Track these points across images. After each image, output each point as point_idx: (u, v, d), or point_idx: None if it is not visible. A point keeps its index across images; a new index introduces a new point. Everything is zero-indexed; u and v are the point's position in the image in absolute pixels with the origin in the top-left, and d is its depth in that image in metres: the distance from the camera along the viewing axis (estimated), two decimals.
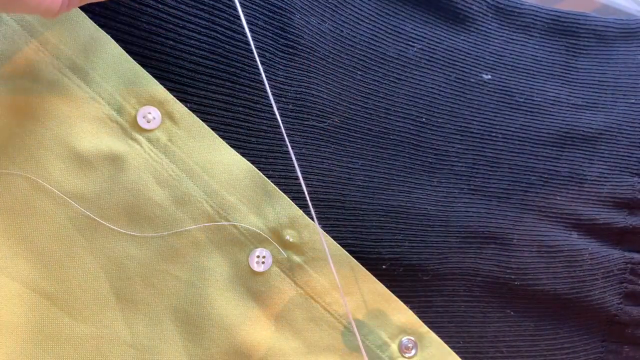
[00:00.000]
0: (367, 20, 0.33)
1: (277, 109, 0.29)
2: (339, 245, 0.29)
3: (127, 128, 0.27)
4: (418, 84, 0.34)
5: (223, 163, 0.28)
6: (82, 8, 0.26)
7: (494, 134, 0.34)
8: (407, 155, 0.32)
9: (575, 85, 0.37)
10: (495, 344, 0.33)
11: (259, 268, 0.28)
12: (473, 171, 0.34)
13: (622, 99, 0.37)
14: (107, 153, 0.26)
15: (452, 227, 0.32)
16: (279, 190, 0.28)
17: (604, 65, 0.37)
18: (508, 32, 0.37)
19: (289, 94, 0.30)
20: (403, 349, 0.30)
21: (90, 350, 0.26)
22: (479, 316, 0.33)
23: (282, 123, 0.29)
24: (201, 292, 0.27)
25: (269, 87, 0.28)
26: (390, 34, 0.34)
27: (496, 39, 0.36)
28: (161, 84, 0.27)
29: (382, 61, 0.33)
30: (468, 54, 0.35)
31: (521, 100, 0.35)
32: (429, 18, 0.35)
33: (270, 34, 0.29)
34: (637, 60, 0.38)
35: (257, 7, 0.29)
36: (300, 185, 0.29)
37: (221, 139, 0.28)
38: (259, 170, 0.28)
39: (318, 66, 0.31)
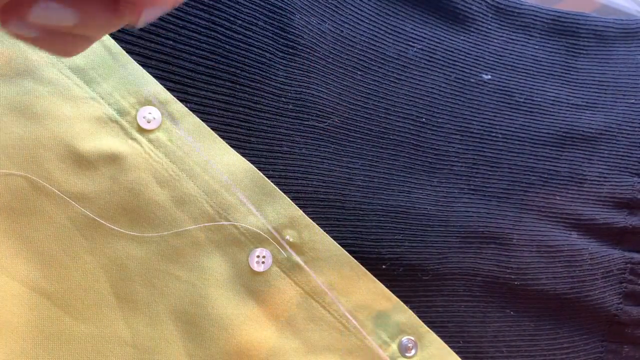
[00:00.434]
0: (367, 20, 0.33)
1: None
2: (339, 245, 0.29)
3: (128, 128, 0.27)
4: (418, 84, 0.34)
5: (223, 163, 0.28)
6: None
7: (494, 134, 0.34)
8: (407, 155, 0.32)
9: (575, 85, 0.37)
10: (495, 343, 0.33)
11: (259, 268, 0.28)
12: (473, 171, 0.34)
13: (622, 99, 0.37)
14: (107, 153, 0.26)
15: (452, 227, 0.32)
16: (279, 190, 0.28)
17: (603, 65, 0.37)
18: (508, 32, 0.37)
19: (289, 94, 0.30)
20: (403, 348, 0.30)
21: (90, 350, 0.26)
22: (479, 316, 0.33)
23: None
24: (201, 292, 0.27)
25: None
26: (390, 34, 0.34)
27: (496, 39, 0.36)
28: (161, 84, 0.27)
29: (382, 61, 0.33)
30: (468, 54, 0.35)
31: (521, 100, 0.35)
32: (429, 18, 0.35)
33: (270, 34, 0.29)
34: (637, 60, 0.38)
35: (257, 7, 0.29)
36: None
37: (221, 139, 0.28)
38: (259, 170, 0.28)
39: (318, 66, 0.31)
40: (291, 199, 0.29)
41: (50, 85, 0.26)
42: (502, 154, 0.34)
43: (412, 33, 0.34)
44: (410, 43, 0.34)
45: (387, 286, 0.30)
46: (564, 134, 0.35)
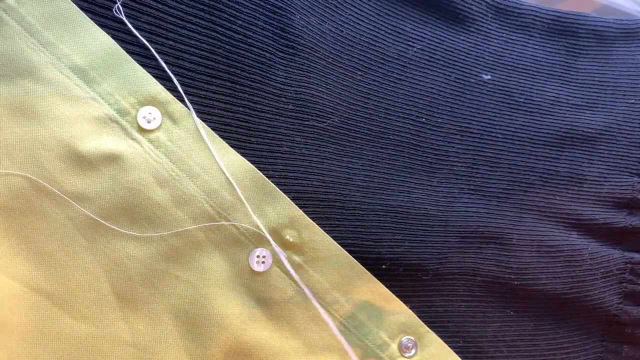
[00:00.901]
0: (367, 20, 0.33)
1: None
2: (339, 245, 0.29)
3: (128, 128, 0.27)
4: (418, 84, 0.34)
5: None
6: (82, 8, 0.26)
7: (493, 134, 0.34)
8: (407, 155, 0.32)
9: (575, 85, 0.37)
10: (495, 343, 0.33)
11: (259, 268, 0.28)
12: (473, 171, 0.34)
13: (621, 99, 0.37)
14: (107, 153, 0.26)
15: (452, 227, 0.32)
16: (279, 190, 0.28)
17: (603, 65, 0.37)
18: (508, 32, 0.37)
19: (289, 94, 0.30)
20: (403, 348, 0.30)
21: (91, 349, 0.26)
22: (479, 316, 0.33)
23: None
24: (201, 291, 0.27)
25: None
26: (390, 34, 0.34)
27: (496, 39, 0.36)
28: (161, 84, 0.27)
29: (382, 61, 0.33)
30: (468, 54, 0.35)
31: (521, 100, 0.35)
32: (429, 18, 0.35)
33: (270, 34, 0.29)
34: (637, 60, 0.38)
35: (257, 7, 0.29)
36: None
37: (221, 139, 0.28)
38: (259, 170, 0.28)
39: (318, 66, 0.31)
40: (291, 199, 0.29)
41: (51, 85, 0.26)
42: (502, 154, 0.34)
43: (412, 33, 0.34)
44: (410, 43, 0.34)
45: (387, 286, 0.30)
46: (564, 134, 0.35)
